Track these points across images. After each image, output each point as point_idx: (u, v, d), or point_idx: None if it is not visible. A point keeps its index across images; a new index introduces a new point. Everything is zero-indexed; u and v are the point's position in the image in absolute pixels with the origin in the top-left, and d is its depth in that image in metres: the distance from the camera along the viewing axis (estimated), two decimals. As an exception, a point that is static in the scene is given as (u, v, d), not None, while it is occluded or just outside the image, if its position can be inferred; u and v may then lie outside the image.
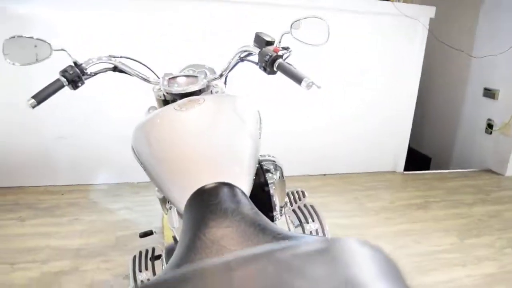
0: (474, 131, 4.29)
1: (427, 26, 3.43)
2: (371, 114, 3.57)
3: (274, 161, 1.44)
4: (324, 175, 3.61)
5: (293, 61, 1.27)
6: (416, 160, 4.90)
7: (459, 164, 4.44)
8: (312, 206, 1.83)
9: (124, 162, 2.80)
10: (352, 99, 3.50)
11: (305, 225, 1.76)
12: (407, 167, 3.91)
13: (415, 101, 3.66)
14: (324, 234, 1.74)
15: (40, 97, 1.24)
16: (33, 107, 1.23)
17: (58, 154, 3.12)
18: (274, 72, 1.31)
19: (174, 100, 1.34)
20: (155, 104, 1.50)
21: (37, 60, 1.29)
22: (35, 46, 1.28)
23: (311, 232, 1.74)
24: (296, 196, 1.88)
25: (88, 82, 1.33)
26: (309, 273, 0.41)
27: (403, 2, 3.47)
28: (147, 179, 1.06)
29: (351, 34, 3.30)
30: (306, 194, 1.88)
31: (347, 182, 3.53)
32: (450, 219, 3.00)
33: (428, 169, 4.82)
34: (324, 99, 3.41)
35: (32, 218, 2.75)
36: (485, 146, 4.17)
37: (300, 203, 1.84)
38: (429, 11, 3.40)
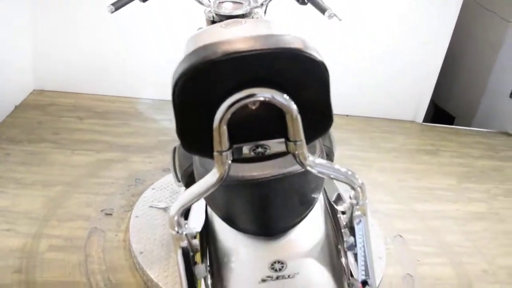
0: (499, 95, 4.45)
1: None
2: (397, 59, 3.77)
3: None
4: (347, 115, 3.92)
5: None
6: (440, 117, 5.10)
7: (480, 126, 4.62)
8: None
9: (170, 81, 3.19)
10: (379, 43, 3.70)
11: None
12: (435, 120, 4.13)
13: (443, 55, 3.83)
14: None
15: (118, 5, 1.60)
16: (112, 12, 1.59)
17: (113, 67, 3.55)
18: (305, 3, 1.63)
19: (221, 21, 1.67)
20: (204, 25, 1.84)
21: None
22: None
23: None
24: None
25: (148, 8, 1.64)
26: None
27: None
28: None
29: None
30: None
31: (367, 124, 3.83)
32: (453, 166, 3.29)
33: (450, 127, 5.02)
34: (351, 40, 3.63)
35: (88, 118, 3.21)
36: (507, 111, 4.34)
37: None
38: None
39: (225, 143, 0.64)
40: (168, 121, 3.31)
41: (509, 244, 2.46)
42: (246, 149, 0.68)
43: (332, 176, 0.74)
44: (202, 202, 1.01)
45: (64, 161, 2.65)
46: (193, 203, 0.71)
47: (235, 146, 0.67)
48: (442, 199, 2.81)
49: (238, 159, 0.68)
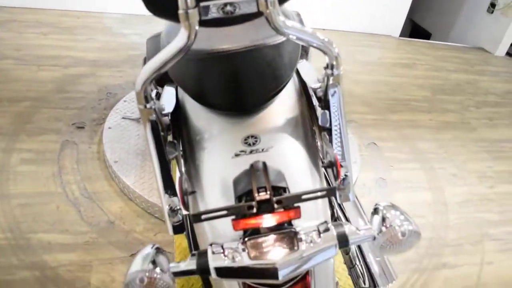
0: (477, 9, 4.39)
1: None
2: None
3: None
4: (324, 29, 3.82)
5: None
6: (417, 34, 5.05)
7: (456, 41, 4.61)
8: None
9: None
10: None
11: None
12: (411, 35, 4.08)
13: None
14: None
15: None
16: None
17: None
18: None
19: None
20: None
21: None
22: None
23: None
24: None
25: None
26: None
27: None
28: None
29: None
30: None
31: (344, 38, 3.76)
32: (429, 79, 3.30)
33: (426, 44, 4.99)
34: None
35: (53, 34, 3.03)
36: (483, 26, 4.31)
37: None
38: None
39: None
40: (137, 35, 3.16)
41: (478, 151, 2.53)
42: (214, 9, 0.63)
43: (308, 42, 0.70)
44: (173, 89, 0.96)
45: (30, 77, 2.52)
46: (160, 73, 0.67)
47: (201, 4, 0.61)
48: (416, 109, 2.84)
49: (206, 22, 0.63)
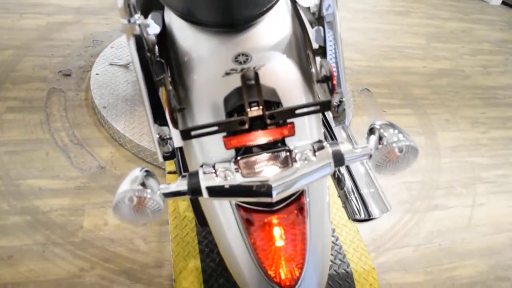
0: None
1: None
2: None
3: None
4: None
5: None
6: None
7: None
8: None
9: None
10: None
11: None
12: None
13: None
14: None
15: None
16: None
17: None
18: None
19: None
20: None
21: None
22: None
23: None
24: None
25: None
26: None
27: None
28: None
29: None
30: None
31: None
32: (423, 27, 3.24)
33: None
34: None
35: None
36: (480, -28, 4.20)
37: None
38: None
39: None
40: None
41: (471, 97, 2.52)
42: None
43: None
44: (159, 14, 0.92)
45: (12, 25, 2.43)
46: None
47: None
48: (410, 57, 2.80)
49: None
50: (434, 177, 1.89)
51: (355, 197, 1.02)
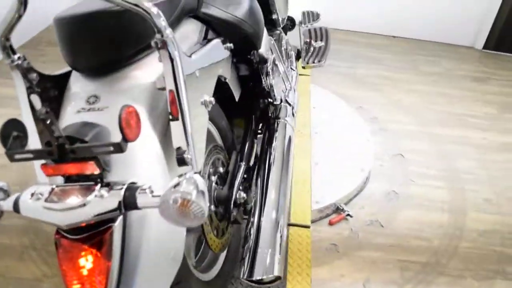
0: None
1: None
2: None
3: None
4: (394, 37, 3.62)
5: None
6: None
7: None
8: (325, 29, 2.05)
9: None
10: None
11: (313, 42, 2.00)
12: (498, 47, 3.63)
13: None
14: (325, 51, 1.97)
15: None
16: None
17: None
18: None
19: None
20: None
21: None
22: None
23: (315, 48, 1.98)
24: (311, 16, 2.09)
25: None
26: None
27: None
28: None
29: None
30: (320, 16, 2.08)
31: (415, 46, 3.52)
32: (499, 95, 2.94)
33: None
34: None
35: None
36: None
37: (315, 24, 2.07)
38: None
39: None
40: None
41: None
42: None
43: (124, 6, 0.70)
44: None
45: None
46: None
47: None
48: (471, 126, 2.56)
49: None
50: (442, 261, 1.68)
51: (249, 256, 1.01)
